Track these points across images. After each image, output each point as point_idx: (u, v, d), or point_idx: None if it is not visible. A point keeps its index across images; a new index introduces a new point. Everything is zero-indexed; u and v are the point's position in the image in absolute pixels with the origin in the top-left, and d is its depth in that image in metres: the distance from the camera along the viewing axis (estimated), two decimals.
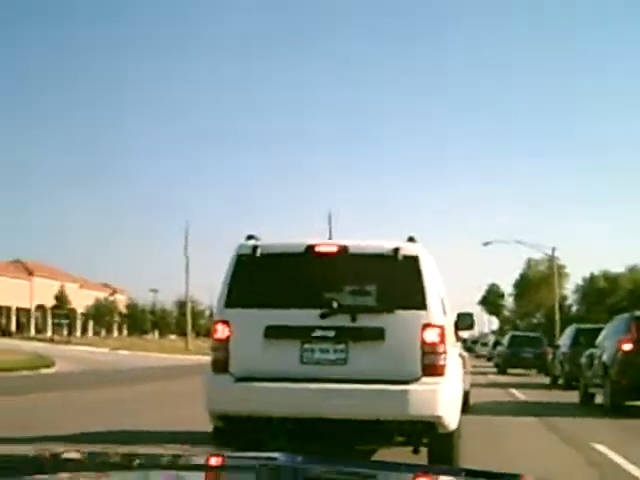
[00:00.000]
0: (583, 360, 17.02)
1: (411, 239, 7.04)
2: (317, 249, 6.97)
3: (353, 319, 6.72)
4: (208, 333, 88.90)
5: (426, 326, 6.61)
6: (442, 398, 6.54)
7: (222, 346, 6.81)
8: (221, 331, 6.82)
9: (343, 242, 7.08)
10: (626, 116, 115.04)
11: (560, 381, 22.71)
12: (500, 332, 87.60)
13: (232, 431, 6.84)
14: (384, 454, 7.66)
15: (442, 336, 6.66)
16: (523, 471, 2.79)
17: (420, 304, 6.66)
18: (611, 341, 14.99)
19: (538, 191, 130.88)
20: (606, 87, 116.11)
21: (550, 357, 26.33)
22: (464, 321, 8.22)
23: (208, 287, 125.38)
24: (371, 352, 6.66)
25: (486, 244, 48.69)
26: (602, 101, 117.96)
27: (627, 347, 13.97)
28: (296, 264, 7.00)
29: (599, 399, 15.23)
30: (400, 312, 6.68)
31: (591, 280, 78.47)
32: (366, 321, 6.71)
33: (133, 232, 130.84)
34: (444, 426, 6.59)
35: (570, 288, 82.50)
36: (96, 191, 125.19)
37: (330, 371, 6.67)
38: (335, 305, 6.72)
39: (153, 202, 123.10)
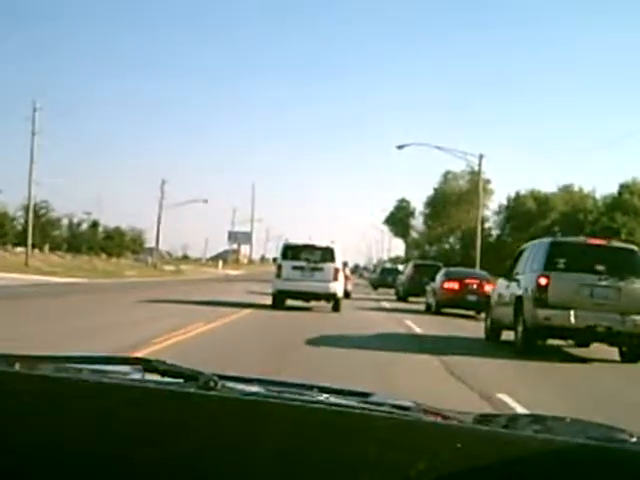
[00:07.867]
0: (400, 281, 37.40)
1: (332, 241, 24.74)
2: (307, 244, 24.29)
3: (316, 264, 23.16)
4: (70, 247, 74.43)
5: (334, 268, 23.16)
6: (337, 287, 23.11)
7: (280, 270, 23.25)
8: (279, 266, 23.60)
9: (315, 242, 24.79)
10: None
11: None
12: (406, 260, 76.60)
13: (280, 296, 23.18)
14: (316, 310, 23.46)
15: (339, 270, 23.41)
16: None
17: (333, 261, 23.25)
18: (406, 273, 36.29)
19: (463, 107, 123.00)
20: None
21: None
22: (345, 264, 28.42)
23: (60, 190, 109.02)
24: (320, 274, 22.94)
25: (401, 147, 42.49)
26: None
27: (409, 274, 34.73)
28: (301, 248, 23.84)
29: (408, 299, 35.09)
30: (328, 263, 23.16)
31: (517, 200, 68.09)
32: (319, 265, 23.15)
33: None
34: (337, 295, 23.24)
35: (492, 208, 72.03)
36: None
37: (309, 279, 22.98)
38: (312, 260, 23.24)
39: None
